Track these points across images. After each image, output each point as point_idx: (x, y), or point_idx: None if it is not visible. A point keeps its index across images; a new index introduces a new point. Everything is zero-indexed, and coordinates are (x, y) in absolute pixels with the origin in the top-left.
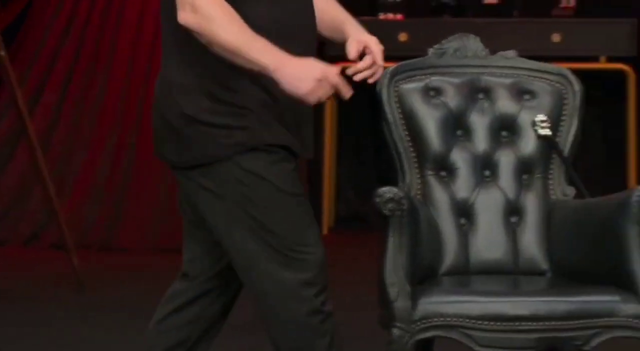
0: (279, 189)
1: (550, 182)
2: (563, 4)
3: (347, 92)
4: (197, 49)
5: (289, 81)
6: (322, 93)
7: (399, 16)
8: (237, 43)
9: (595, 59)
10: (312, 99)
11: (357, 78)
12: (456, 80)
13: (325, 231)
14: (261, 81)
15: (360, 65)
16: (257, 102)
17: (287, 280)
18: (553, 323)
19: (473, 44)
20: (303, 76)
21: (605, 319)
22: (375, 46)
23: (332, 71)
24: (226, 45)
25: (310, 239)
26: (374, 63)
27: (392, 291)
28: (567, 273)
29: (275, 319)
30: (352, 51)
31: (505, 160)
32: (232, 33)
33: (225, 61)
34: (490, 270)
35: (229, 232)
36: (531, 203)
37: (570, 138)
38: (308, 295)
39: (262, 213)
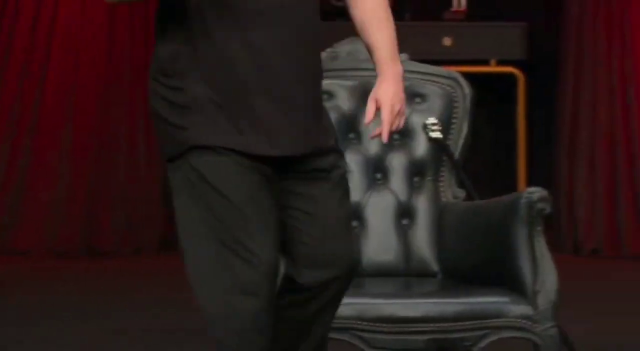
0: (221, 193)
1: (441, 184)
2: (454, 7)
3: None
4: (156, 43)
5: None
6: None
7: None
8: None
9: (485, 62)
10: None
11: (369, 137)
12: (349, 83)
13: None
14: (211, 79)
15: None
16: (204, 101)
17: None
18: (443, 324)
19: (365, 47)
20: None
21: (495, 320)
22: (385, 107)
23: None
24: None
25: (252, 246)
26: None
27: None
28: (457, 275)
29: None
30: (368, 114)
31: (397, 163)
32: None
33: (171, 59)
34: (383, 272)
35: (180, 230)
36: (422, 205)
37: (461, 141)
38: (245, 303)
39: (205, 214)
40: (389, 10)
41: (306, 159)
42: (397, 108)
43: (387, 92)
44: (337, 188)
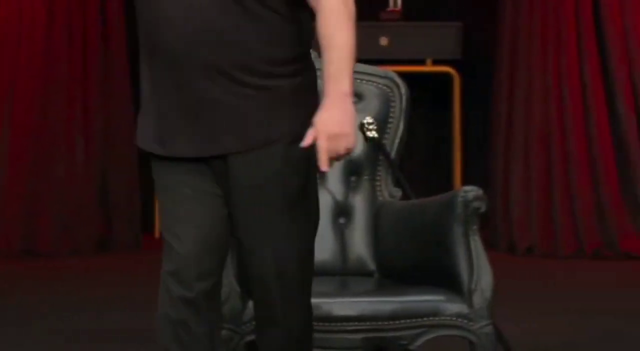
0: (157, 184)
1: (378, 183)
2: (390, 7)
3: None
4: None
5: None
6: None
7: None
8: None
9: (422, 62)
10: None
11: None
12: None
13: (157, 234)
14: (144, 81)
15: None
16: (144, 104)
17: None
18: (379, 323)
19: None
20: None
21: (431, 318)
22: (320, 136)
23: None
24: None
25: (177, 232)
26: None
27: (223, 292)
28: (394, 274)
29: None
30: (306, 140)
31: (334, 163)
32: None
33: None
34: (320, 271)
35: None
36: (359, 204)
37: (397, 140)
38: (172, 286)
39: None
40: (341, 21)
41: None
42: (334, 134)
43: (323, 118)
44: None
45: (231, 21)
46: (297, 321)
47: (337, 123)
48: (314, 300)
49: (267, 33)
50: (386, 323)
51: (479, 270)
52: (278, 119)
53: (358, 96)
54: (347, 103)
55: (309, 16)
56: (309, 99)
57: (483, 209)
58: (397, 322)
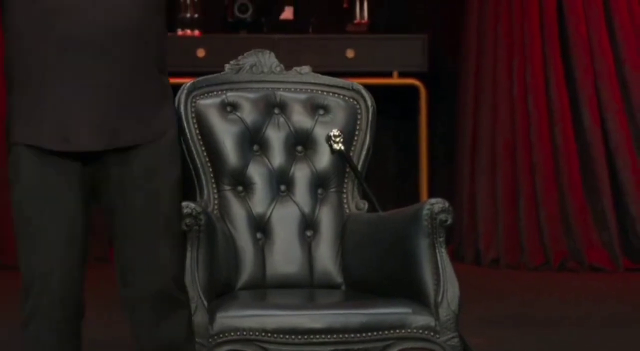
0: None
1: (345, 195)
2: (357, 20)
3: None
4: None
5: None
6: None
7: (196, 32)
8: None
9: (388, 74)
10: None
11: None
12: (252, 96)
13: None
14: (29, 77)
15: None
16: (31, 98)
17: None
18: (347, 335)
19: (268, 59)
20: None
21: (397, 331)
22: None
23: None
24: None
25: (36, 248)
26: None
27: (190, 306)
28: (361, 286)
29: None
30: None
31: (301, 175)
32: None
33: None
34: (287, 284)
35: None
36: (326, 217)
37: (364, 152)
38: (22, 302)
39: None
40: None
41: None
42: None
43: None
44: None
45: (144, 14)
46: None
47: None
48: (282, 312)
49: (164, 31)
50: (353, 335)
51: (446, 283)
52: (170, 114)
53: (324, 108)
54: None
55: None
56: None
57: (449, 221)
58: (364, 335)
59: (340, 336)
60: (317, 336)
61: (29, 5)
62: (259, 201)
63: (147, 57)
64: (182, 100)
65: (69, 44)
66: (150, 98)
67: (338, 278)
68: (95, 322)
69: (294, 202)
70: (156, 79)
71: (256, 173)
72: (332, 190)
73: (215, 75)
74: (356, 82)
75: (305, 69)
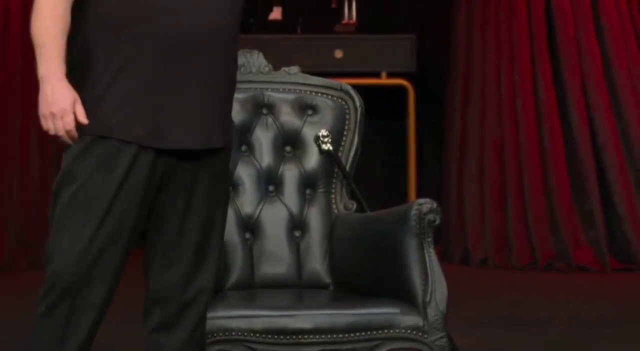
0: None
1: (333, 196)
2: (345, 20)
3: (69, 142)
4: None
5: (40, 95)
6: (49, 125)
7: None
8: (37, 39)
9: (377, 75)
10: (43, 124)
11: None
12: (241, 96)
13: None
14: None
15: None
16: (128, 96)
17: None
18: (335, 335)
19: (257, 60)
20: (49, 99)
21: (386, 331)
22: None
23: (70, 116)
24: (32, 38)
25: (63, 240)
26: None
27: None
28: (349, 287)
29: None
30: None
31: (289, 175)
32: (40, 27)
33: None
34: (275, 284)
35: None
36: (314, 217)
37: (352, 152)
38: (43, 294)
39: None
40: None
41: None
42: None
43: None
44: None
45: (238, 16)
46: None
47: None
48: (270, 313)
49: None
50: (342, 336)
51: (434, 283)
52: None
53: (313, 109)
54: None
55: None
56: None
57: (437, 222)
58: (352, 335)
59: (329, 336)
60: (306, 337)
61: (133, 6)
62: (248, 201)
63: (235, 59)
64: None
65: (168, 43)
66: (231, 102)
67: (326, 279)
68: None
69: (283, 202)
70: (235, 82)
71: (244, 173)
72: (321, 190)
73: None
74: (344, 83)
75: (294, 69)
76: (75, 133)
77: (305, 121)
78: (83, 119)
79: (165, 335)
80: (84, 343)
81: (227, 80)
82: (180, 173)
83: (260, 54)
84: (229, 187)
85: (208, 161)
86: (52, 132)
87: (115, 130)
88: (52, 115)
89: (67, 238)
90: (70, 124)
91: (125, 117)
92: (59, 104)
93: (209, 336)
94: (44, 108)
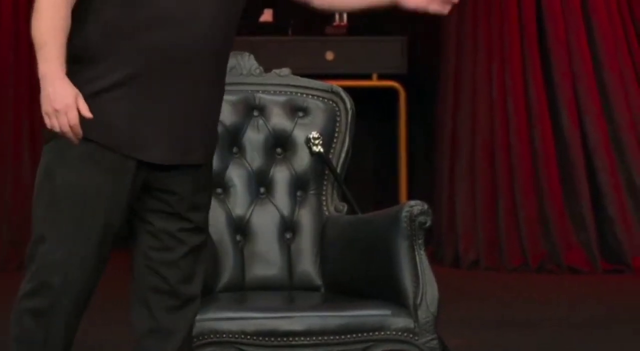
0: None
1: (324, 198)
2: (336, 22)
3: (74, 140)
4: None
5: (42, 94)
6: (54, 122)
7: None
8: (38, 39)
9: (367, 77)
10: (47, 122)
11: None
12: (231, 98)
13: None
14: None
15: None
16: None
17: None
18: (326, 337)
19: (248, 62)
20: (51, 97)
21: (377, 333)
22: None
23: (73, 112)
24: (33, 38)
25: (47, 240)
26: None
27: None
28: (340, 289)
29: None
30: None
31: (280, 177)
32: (42, 27)
33: None
34: (266, 286)
35: None
36: (305, 219)
37: (343, 154)
38: (23, 291)
39: None
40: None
41: None
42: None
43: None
44: None
45: (233, 32)
46: None
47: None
48: (261, 315)
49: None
50: (332, 337)
51: (425, 284)
52: None
53: (304, 111)
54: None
55: None
56: None
57: (428, 224)
58: (343, 337)
59: (320, 338)
60: (296, 339)
61: (131, 17)
62: (239, 203)
63: (224, 72)
64: None
65: (161, 56)
66: (218, 115)
67: (317, 280)
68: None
69: (274, 204)
70: (222, 98)
71: (235, 175)
72: (312, 192)
73: None
74: (335, 84)
75: (285, 71)
76: (79, 129)
77: (296, 123)
78: (87, 113)
79: (157, 343)
80: (67, 344)
81: (215, 94)
82: (161, 180)
83: (251, 56)
84: (211, 195)
85: (191, 171)
86: (57, 128)
87: (97, 135)
88: (56, 111)
89: (51, 239)
90: (74, 119)
91: (108, 125)
92: (62, 100)
93: (200, 338)
94: (47, 106)
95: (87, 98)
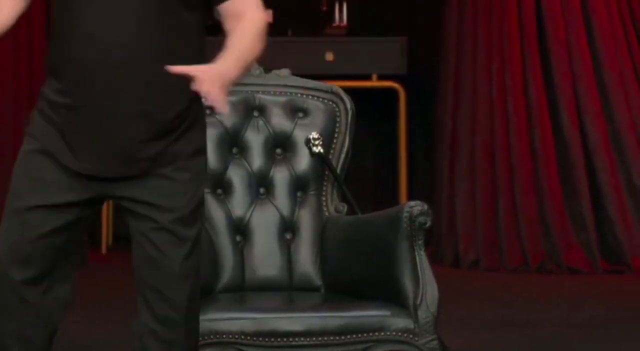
0: None
1: (324, 198)
2: (336, 22)
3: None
4: None
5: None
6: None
7: None
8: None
9: (367, 77)
10: None
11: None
12: (232, 99)
13: (104, 250)
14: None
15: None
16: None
17: None
18: (326, 338)
19: None
20: None
21: (377, 333)
22: (203, 73)
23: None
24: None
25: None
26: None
27: None
28: (340, 289)
29: None
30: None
31: (280, 178)
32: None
33: None
34: (266, 287)
35: None
36: (305, 220)
37: (343, 155)
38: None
39: None
40: (256, 39)
41: None
42: (218, 82)
43: (214, 68)
44: None
45: (165, 41)
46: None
47: (223, 80)
48: (261, 315)
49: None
50: (332, 338)
51: (425, 285)
52: None
53: (304, 111)
54: (227, 82)
55: None
56: None
57: (428, 224)
58: (343, 337)
59: (320, 338)
60: (296, 339)
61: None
62: (239, 204)
63: (168, 85)
64: None
65: (80, 70)
66: (155, 130)
67: (317, 281)
68: (80, 324)
69: (274, 204)
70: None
71: (236, 176)
72: (312, 192)
73: None
74: (335, 85)
75: (285, 71)
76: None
77: (296, 123)
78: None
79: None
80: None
81: (148, 109)
82: (111, 189)
83: None
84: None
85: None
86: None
87: (43, 142)
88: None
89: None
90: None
91: (48, 133)
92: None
93: (200, 339)
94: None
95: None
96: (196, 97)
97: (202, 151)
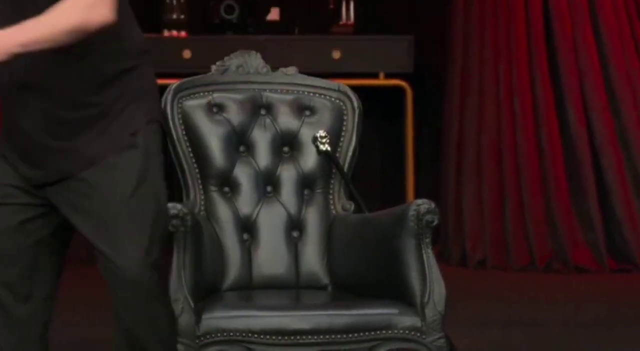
0: None
1: (331, 196)
2: (343, 21)
3: None
4: None
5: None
6: None
7: (182, 33)
8: None
9: (374, 75)
10: None
11: None
12: (238, 97)
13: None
14: None
15: None
16: None
17: None
18: (333, 336)
19: (255, 60)
20: None
21: (384, 331)
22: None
23: None
24: None
25: None
26: None
27: (176, 307)
28: (347, 287)
29: None
30: None
31: (287, 176)
32: None
33: None
34: (273, 285)
35: None
36: (312, 218)
37: (350, 153)
38: None
39: None
40: (60, 14)
41: None
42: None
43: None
44: None
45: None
46: None
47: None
48: (268, 313)
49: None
50: (339, 336)
51: (432, 283)
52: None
53: (311, 110)
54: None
55: None
56: None
57: (435, 222)
58: (350, 336)
59: (327, 337)
60: (304, 337)
61: None
62: (246, 202)
63: (65, 100)
64: (168, 101)
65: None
66: (78, 137)
67: (324, 279)
68: (80, 324)
69: (281, 202)
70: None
71: (242, 174)
72: (319, 191)
73: (201, 76)
74: (342, 83)
75: (292, 69)
76: None
77: (303, 122)
78: None
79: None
80: None
81: (62, 121)
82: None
83: (258, 55)
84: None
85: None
86: None
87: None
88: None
89: None
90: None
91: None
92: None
93: (206, 336)
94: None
95: None
96: (110, 89)
97: (132, 145)
